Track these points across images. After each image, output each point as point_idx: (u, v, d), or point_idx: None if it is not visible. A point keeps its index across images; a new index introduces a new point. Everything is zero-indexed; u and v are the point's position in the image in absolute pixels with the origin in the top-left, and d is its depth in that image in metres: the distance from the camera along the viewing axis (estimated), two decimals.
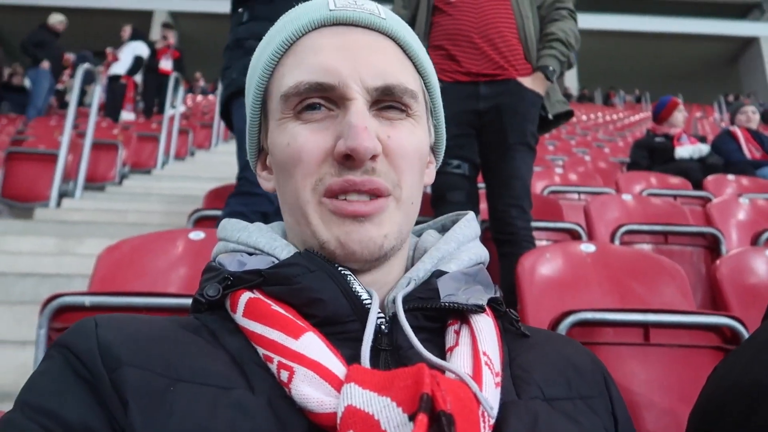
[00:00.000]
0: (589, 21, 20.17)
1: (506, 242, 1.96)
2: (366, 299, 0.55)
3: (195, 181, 4.87)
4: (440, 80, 0.69)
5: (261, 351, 0.50)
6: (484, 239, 2.15)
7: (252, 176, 2.04)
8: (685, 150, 4.16)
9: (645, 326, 1.31)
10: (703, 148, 4.19)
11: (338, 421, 0.43)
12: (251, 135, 0.67)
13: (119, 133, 5.98)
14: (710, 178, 3.74)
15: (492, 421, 0.48)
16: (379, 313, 0.55)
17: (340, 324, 0.53)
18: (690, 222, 2.63)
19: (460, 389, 0.46)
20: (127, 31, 8.70)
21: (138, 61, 8.40)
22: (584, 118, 11.56)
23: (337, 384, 0.46)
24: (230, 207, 2.05)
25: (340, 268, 0.56)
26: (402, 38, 0.62)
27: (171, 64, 8.58)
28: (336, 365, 0.47)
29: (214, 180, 4.38)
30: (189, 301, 1.12)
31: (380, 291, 0.58)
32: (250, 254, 0.61)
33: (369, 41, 0.60)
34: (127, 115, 8.18)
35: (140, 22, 10.20)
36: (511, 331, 0.62)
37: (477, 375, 0.49)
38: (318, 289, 0.54)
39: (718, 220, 2.65)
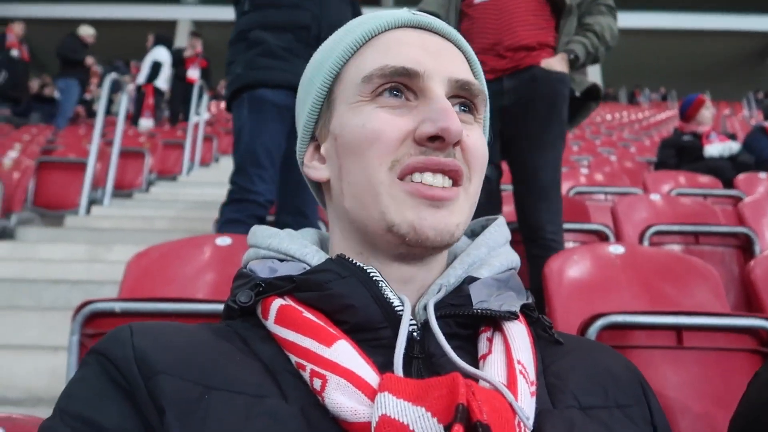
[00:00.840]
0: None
1: (535, 245, 1.92)
2: (398, 306, 0.54)
3: (220, 187, 4.88)
4: None
5: (293, 359, 0.50)
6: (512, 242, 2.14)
7: (243, 181, 2.08)
8: (715, 148, 4.08)
9: (678, 329, 1.29)
10: (734, 146, 4.11)
11: (372, 430, 0.42)
12: (307, 123, 0.66)
13: (145, 140, 6.08)
14: (741, 176, 3.66)
15: (529, 430, 0.47)
16: (411, 320, 0.54)
17: (371, 331, 0.53)
18: (721, 222, 2.58)
19: (495, 399, 0.45)
20: (150, 40, 8.85)
21: (155, 67, 8.46)
22: (609, 117, 11.41)
23: (370, 393, 0.45)
24: (225, 215, 2.07)
25: (371, 273, 0.55)
26: (467, 51, 0.65)
27: (198, 73, 8.67)
28: (369, 374, 0.47)
29: None
30: (217, 306, 1.14)
31: (411, 297, 0.57)
32: (281, 260, 0.61)
33: (447, 47, 0.62)
34: (145, 123, 8.19)
35: (165, 33, 10.37)
36: (544, 338, 0.61)
37: (512, 384, 0.49)
38: (349, 295, 0.53)
39: (750, 220, 2.59)
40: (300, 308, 0.54)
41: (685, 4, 20.48)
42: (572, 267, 1.62)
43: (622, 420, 0.54)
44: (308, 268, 0.58)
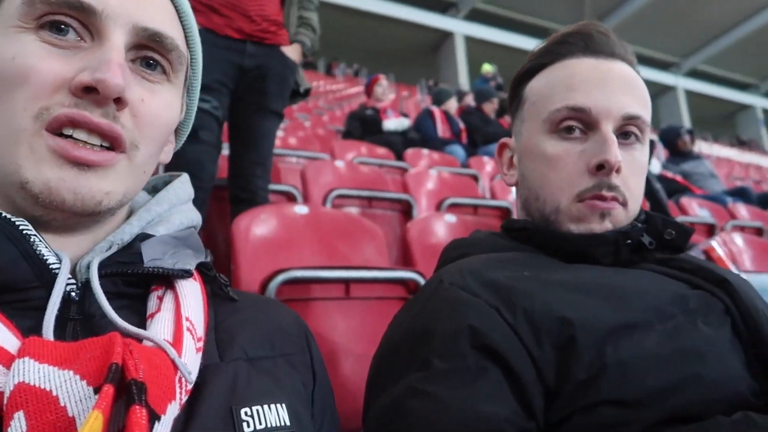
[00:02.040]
0: None
1: (245, 201, 2.00)
2: (54, 263, 0.48)
3: None
4: (209, 30, 0.64)
5: None
6: (221, 199, 2.12)
7: None
8: (391, 123, 4.74)
9: (346, 282, 1.44)
10: (405, 122, 4.82)
11: (5, 401, 0.37)
12: None
13: None
14: (409, 151, 4.24)
15: (190, 387, 0.47)
16: (70, 278, 0.49)
17: (18, 291, 0.46)
18: (391, 189, 2.95)
19: (156, 356, 0.44)
20: None
21: None
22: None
23: (7, 360, 0.39)
24: None
25: (20, 226, 0.48)
26: (181, 4, 0.58)
27: None
28: (8, 339, 0.41)
29: None
30: None
31: (76, 253, 0.52)
32: None
33: None
34: None
35: None
36: (219, 296, 0.62)
37: (177, 341, 0.48)
38: None
39: (413, 188, 3.02)
40: None
41: None
42: (259, 226, 1.67)
43: (285, 367, 0.58)
44: None
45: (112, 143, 0.50)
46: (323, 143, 4.43)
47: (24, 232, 0.48)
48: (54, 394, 0.38)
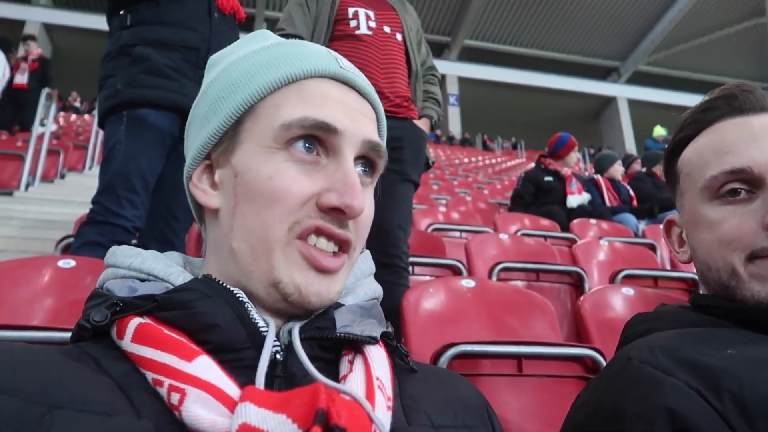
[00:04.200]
0: (473, 71, 21.58)
1: (387, 266, 2.01)
2: (263, 327, 0.55)
3: (64, 206, 4.51)
4: None
5: (150, 375, 0.48)
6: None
7: (109, 203, 1.91)
8: (575, 199, 4.39)
9: (518, 358, 1.40)
10: (587, 197, 4.48)
11: None
12: (205, 144, 0.63)
13: None
14: (576, 221, 4.07)
15: None
16: (275, 341, 0.55)
17: (234, 351, 0.53)
18: (558, 261, 2.85)
19: (353, 408, 0.47)
20: None
21: None
22: (466, 160, 12.20)
23: (231, 405, 0.45)
24: (85, 236, 1.88)
25: (237, 295, 0.56)
26: (379, 112, 0.68)
27: (26, 78, 7.73)
28: (230, 387, 0.47)
29: (87, 205, 4.08)
30: (56, 334, 1.05)
31: (277, 321, 0.58)
32: (143, 281, 0.59)
33: (364, 106, 0.64)
34: None
35: (9, 33, 9.37)
36: (400, 366, 0.65)
37: (370, 397, 0.51)
38: (214, 314, 0.53)
39: (582, 260, 2.89)
40: (160, 327, 0.52)
41: (536, 65, 22.70)
42: (428, 299, 1.70)
43: None
44: (171, 287, 0.57)
45: (342, 246, 0.59)
46: (485, 217, 4.44)
47: (240, 298, 0.56)
48: None
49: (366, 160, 0.63)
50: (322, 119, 0.58)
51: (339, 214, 0.57)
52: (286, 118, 0.58)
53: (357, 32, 2.13)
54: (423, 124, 2.25)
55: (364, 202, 0.57)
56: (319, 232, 0.57)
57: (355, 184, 0.57)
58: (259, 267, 0.57)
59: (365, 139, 0.60)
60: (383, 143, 0.64)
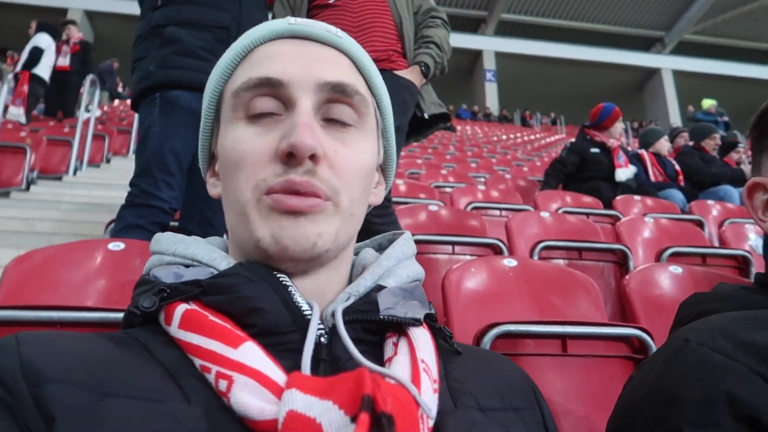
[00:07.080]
0: (510, 45, 21.13)
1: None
2: (306, 310, 0.55)
3: (111, 189, 4.64)
4: None
5: (198, 362, 0.49)
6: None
7: (147, 185, 1.94)
8: (624, 173, 4.26)
9: (563, 338, 1.38)
10: (634, 170, 4.35)
11: (279, 427, 0.42)
12: (203, 141, 0.67)
13: (27, 135, 5.61)
14: (619, 198, 3.96)
15: (431, 423, 0.49)
16: (319, 324, 0.55)
17: (279, 335, 0.53)
18: (601, 239, 2.79)
19: (399, 392, 0.47)
20: (32, 26, 8.13)
21: (34, 53, 7.66)
22: (504, 137, 12.01)
23: (277, 391, 0.46)
24: (126, 220, 1.92)
25: (281, 279, 0.56)
26: (357, 56, 0.65)
27: (68, 60, 7.92)
28: (276, 373, 0.47)
29: None
30: (109, 315, 1.08)
31: (320, 304, 0.58)
32: (187, 266, 0.60)
33: (325, 53, 0.62)
34: (15, 111, 7.29)
35: (53, 21, 9.62)
36: (444, 348, 0.64)
37: (416, 380, 0.51)
38: (259, 298, 0.53)
39: (626, 238, 2.82)
40: (206, 312, 0.53)
41: (576, 37, 22.07)
42: (469, 279, 1.69)
43: (518, 422, 0.57)
44: (216, 272, 0.58)
45: (312, 197, 0.56)
46: (525, 195, 4.37)
47: (283, 282, 0.56)
48: (318, 421, 0.42)
49: (339, 103, 0.60)
50: (263, 75, 0.58)
51: (294, 158, 0.55)
52: (234, 86, 0.60)
53: (330, 0, 2.15)
54: (409, 73, 2.15)
55: (314, 139, 0.55)
56: (285, 190, 0.55)
57: (300, 123, 0.55)
58: (245, 234, 0.58)
59: (321, 82, 0.59)
60: (354, 82, 0.61)
